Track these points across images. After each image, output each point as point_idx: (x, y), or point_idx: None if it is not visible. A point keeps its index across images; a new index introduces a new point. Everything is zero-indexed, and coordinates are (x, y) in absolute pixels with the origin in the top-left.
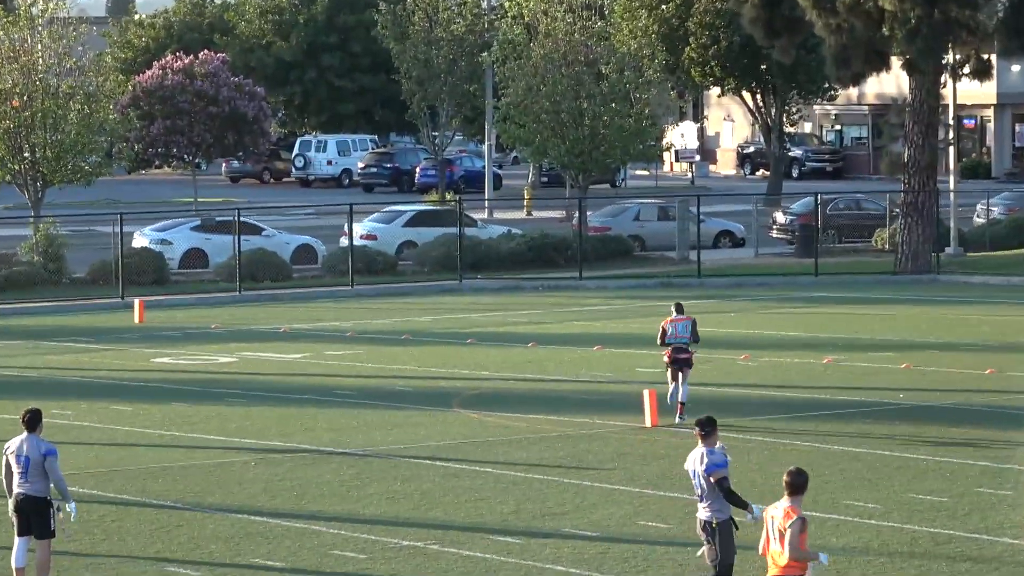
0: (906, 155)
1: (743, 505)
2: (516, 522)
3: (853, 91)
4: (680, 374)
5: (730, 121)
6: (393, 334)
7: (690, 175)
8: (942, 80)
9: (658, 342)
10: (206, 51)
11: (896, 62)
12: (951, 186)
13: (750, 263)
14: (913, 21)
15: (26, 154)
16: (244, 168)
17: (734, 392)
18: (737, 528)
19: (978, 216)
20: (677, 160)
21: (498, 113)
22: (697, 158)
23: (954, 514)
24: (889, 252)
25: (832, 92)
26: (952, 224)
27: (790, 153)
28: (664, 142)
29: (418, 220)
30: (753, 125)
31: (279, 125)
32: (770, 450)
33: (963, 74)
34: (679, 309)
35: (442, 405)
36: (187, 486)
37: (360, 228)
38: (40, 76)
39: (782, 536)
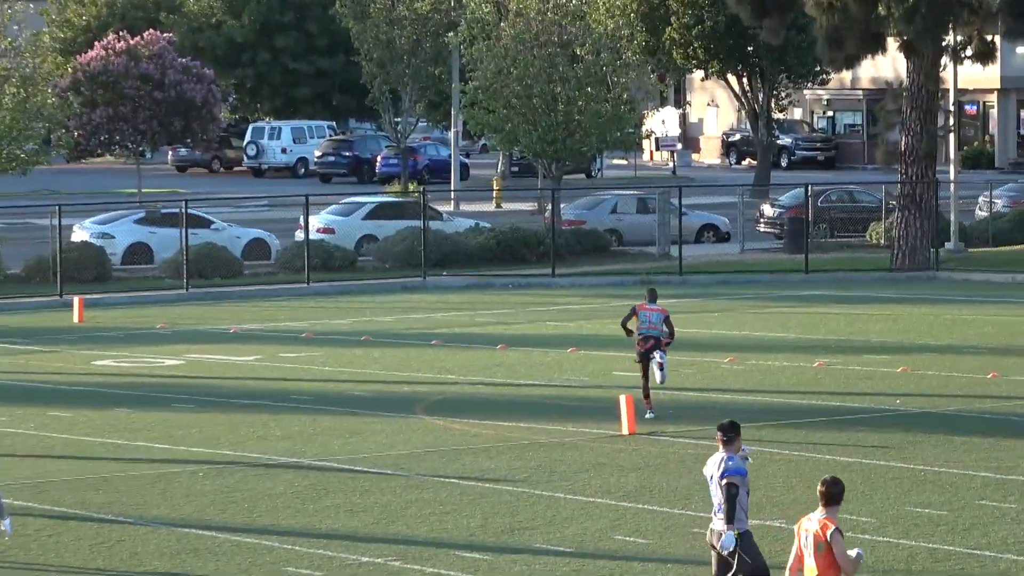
0: (903, 143)
1: (729, 518)
2: (484, 537)
3: (846, 75)
4: (654, 356)
5: (714, 107)
6: (352, 335)
7: (671, 165)
8: (942, 63)
9: (622, 320)
10: (151, 30)
11: (893, 43)
12: (951, 177)
13: (736, 259)
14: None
15: None
16: (192, 156)
17: (718, 397)
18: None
19: (980, 209)
20: (657, 148)
21: (465, 98)
22: (679, 146)
23: (954, 528)
24: (885, 247)
25: (824, 76)
26: (952, 217)
27: (778, 141)
28: (643, 129)
29: (379, 213)
30: (739, 111)
31: (230, 110)
32: (757, 460)
33: (964, 57)
34: (653, 297)
35: (404, 411)
36: (130, 498)
37: (316, 221)
38: None
39: (817, 551)
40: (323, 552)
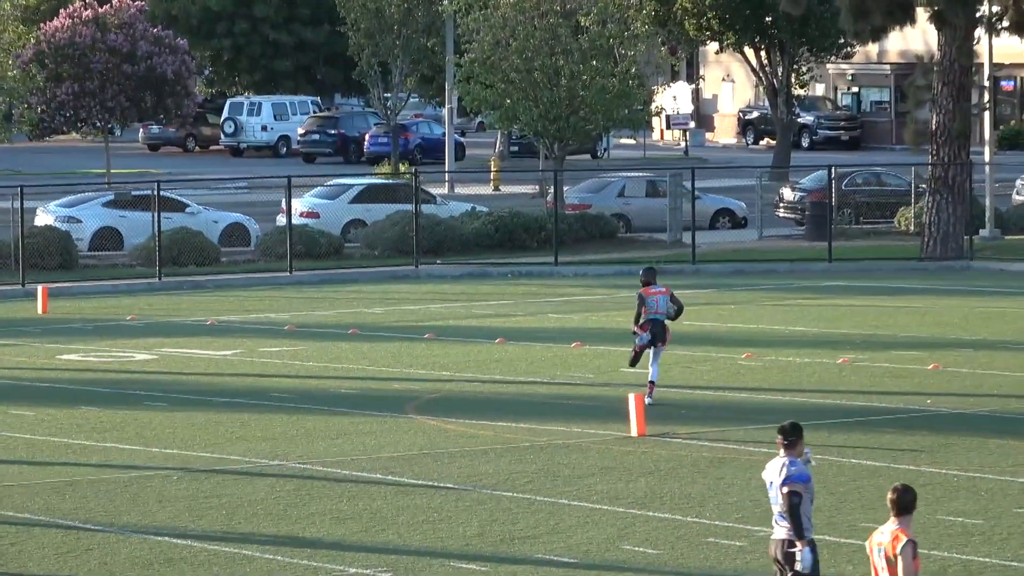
0: (934, 122)
1: (799, 534)
2: (481, 546)
3: (873, 48)
4: (654, 349)
5: (730, 82)
6: (338, 328)
7: (683, 144)
8: (976, 35)
9: (635, 318)
10: None
11: (923, 14)
12: (986, 158)
13: (753, 247)
14: None
15: None
16: (165, 134)
17: (734, 396)
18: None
19: (1018, 193)
20: (668, 127)
21: (460, 72)
22: (691, 125)
23: (990, 539)
24: (915, 235)
25: (848, 49)
26: (987, 202)
27: (799, 119)
28: (653, 106)
29: (367, 196)
30: (756, 87)
31: (205, 85)
32: None
33: (1000, 28)
34: (653, 277)
35: (395, 411)
36: (98, 503)
37: (300, 205)
38: None
39: (890, 564)
40: (307, 563)
